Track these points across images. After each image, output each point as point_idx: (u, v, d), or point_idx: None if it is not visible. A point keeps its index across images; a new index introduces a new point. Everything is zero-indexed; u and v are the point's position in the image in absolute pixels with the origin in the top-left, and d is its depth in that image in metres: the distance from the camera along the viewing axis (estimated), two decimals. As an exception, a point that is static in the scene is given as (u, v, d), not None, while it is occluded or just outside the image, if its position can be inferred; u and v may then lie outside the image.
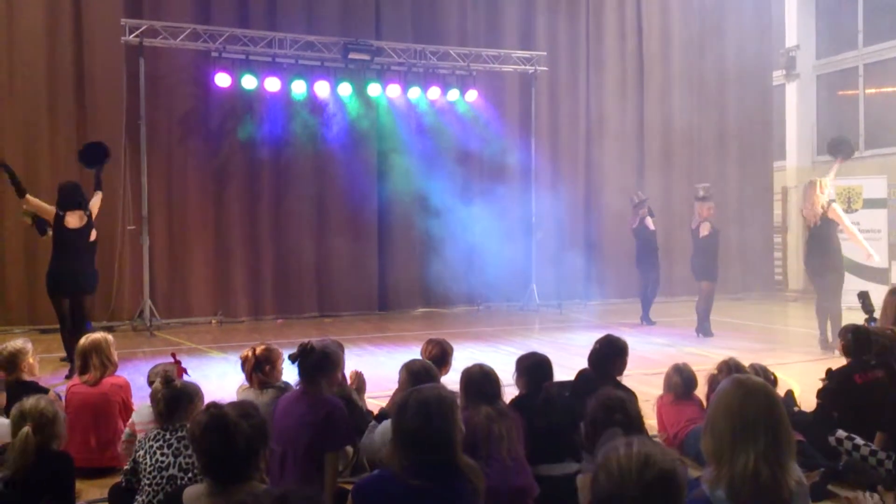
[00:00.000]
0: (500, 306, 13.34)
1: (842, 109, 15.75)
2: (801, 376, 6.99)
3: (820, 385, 5.04)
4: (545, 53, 13.63)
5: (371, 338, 10.28)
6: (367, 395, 5.23)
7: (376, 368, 7.54)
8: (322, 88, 11.91)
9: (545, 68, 13.58)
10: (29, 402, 3.47)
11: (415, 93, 12.53)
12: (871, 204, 13.32)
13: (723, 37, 15.57)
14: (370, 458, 4.45)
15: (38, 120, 10.96)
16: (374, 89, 12.18)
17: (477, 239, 12.58)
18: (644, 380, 6.41)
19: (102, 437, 4.67)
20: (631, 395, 3.90)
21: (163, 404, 3.57)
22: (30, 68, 10.90)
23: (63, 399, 4.67)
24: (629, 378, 5.12)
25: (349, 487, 2.95)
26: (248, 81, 11.43)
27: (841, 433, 4.46)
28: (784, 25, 16.24)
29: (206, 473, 2.65)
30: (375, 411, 4.98)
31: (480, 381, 3.88)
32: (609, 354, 4.80)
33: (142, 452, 3.42)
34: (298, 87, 11.78)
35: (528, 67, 13.43)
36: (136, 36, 10.88)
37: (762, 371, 4.68)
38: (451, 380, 4.33)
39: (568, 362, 6.21)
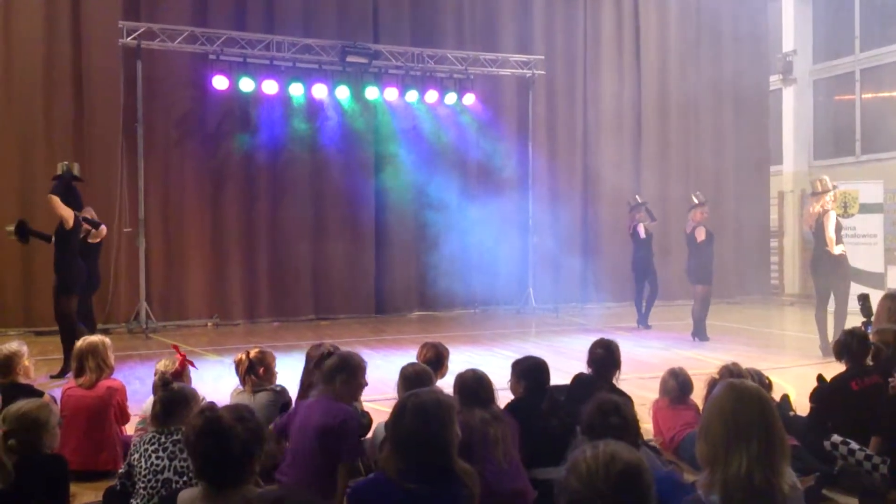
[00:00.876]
0: (496, 310, 13.34)
1: (838, 114, 15.79)
2: (797, 381, 6.99)
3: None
4: (542, 57, 13.65)
5: (367, 341, 10.27)
6: (363, 398, 5.21)
7: (372, 371, 7.41)
8: (319, 91, 11.92)
9: (542, 72, 13.61)
10: (13, 407, 3.46)
11: (412, 96, 12.54)
12: (866, 209, 13.34)
13: (720, 42, 15.61)
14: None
15: (35, 122, 10.95)
16: (371, 92, 12.20)
17: (474, 242, 12.60)
18: (640, 384, 6.41)
19: (97, 440, 4.65)
20: (627, 399, 3.91)
21: (159, 406, 3.56)
22: (27, 70, 10.89)
23: (59, 402, 4.65)
24: (625, 382, 5.13)
25: None
26: (246, 84, 11.43)
27: (836, 438, 4.47)
28: (781, 30, 16.28)
29: (201, 477, 2.64)
30: (371, 414, 4.97)
31: (474, 385, 3.88)
32: (609, 358, 4.81)
33: (137, 456, 3.42)
34: (296, 90, 11.79)
35: (525, 71, 13.45)
36: (134, 38, 10.88)
37: (757, 375, 4.68)
38: (446, 383, 4.33)
39: (564, 366, 6.21)
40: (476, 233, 12.54)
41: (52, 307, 8.07)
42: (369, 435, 4.55)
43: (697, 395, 5.07)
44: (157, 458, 3.35)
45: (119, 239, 11.16)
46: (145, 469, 3.33)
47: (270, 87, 11.59)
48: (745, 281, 15.35)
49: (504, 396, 4.29)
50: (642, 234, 11.43)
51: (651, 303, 11.52)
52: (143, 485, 3.32)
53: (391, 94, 12.39)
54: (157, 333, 10.80)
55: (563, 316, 12.91)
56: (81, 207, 8.29)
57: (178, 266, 11.73)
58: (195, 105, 11.82)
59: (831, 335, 8.71)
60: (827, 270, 8.96)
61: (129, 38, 10.86)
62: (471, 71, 12.89)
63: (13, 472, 3.23)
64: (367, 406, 5.31)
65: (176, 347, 4.14)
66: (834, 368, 5.18)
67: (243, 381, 4.70)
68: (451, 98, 12.74)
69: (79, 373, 4.79)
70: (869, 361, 4.91)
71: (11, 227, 8.16)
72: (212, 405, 2.79)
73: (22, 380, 4.76)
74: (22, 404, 3.47)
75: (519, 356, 4.66)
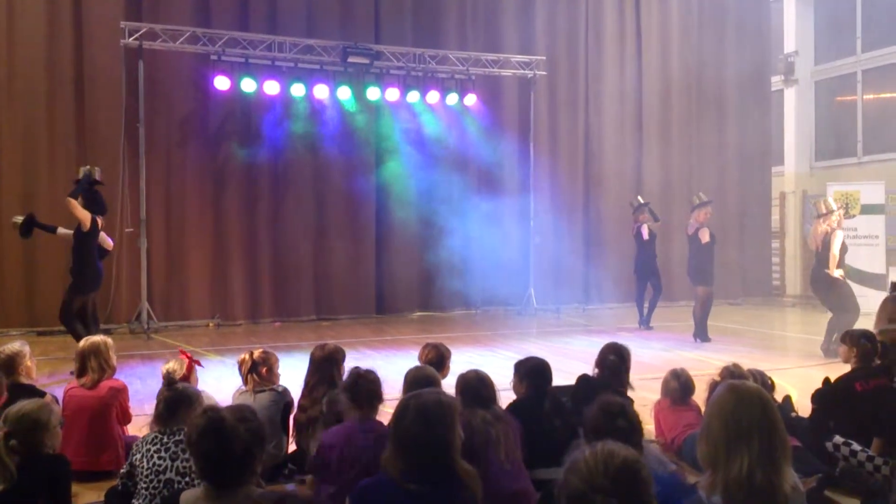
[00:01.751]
0: (497, 310, 13.35)
1: (840, 115, 15.78)
2: (799, 382, 7.00)
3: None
4: (544, 58, 13.65)
5: (368, 341, 10.28)
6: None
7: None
8: (321, 92, 11.92)
9: (544, 73, 13.60)
10: (14, 407, 3.46)
11: (414, 97, 12.54)
12: (868, 210, 13.35)
13: (721, 42, 15.62)
14: None
15: (37, 122, 10.97)
16: (373, 93, 12.19)
17: (475, 242, 12.59)
18: (642, 384, 6.37)
19: (99, 441, 4.66)
20: (628, 400, 3.90)
21: (163, 406, 3.57)
22: (29, 70, 10.91)
23: (60, 402, 4.66)
24: (626, 383, 5.11)
25: None
26: (248, 85, 11.43)
27: (838, 439, 4.47)
28: (783, 31, 16.28)
29: (203, 477, 2.64)
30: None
31: (476, 385, 3.88)
32: (622, 365, 4.77)
33: (139, 456, 3.42)
34: (297, 91, 11.79)
35: (526, 72, 13.45)
36: (136, 39, 10.89)
37: (760, 376, 4.68)
38: (448, 384, 4.33)
39: (566, 367, 6.21)
40: (477, 233, 12.54)
41: (58, 306, 8.14)
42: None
43: (699, 397, 5.07)
44: (160, 458, 3.35)
45: (121, 239, 11.16)
46: (147, 469, 3.34)
47: (272, 87, 11.60)
48: (746, 282, 15.35)
49: (505, 397, 4.29)
50: (646, 235, 11.42)
51: (654, 304, 11.50)
52: (145, 485, 3.32)
53: (392, 94, 12.38)
54: (159, 334, 10.80)
55: (564, 317, 12.91)
56: (105, 211, 8.45)
57: (180, 266, 11.75)
58: (197, 105, 11.83)
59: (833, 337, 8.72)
60: (825, 289, 8.99)
61: (130, 39, 10.86)
62: (472, 71, 12.89)
63: (15, 472, 3.24)
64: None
65: (183, 351, 4.13)
66: (837, 369, 5.18)
67: (246, 382, 4.70)
68: (452, 99, 12.74)
69: (81, 373, 4.80)
70: (877, 360, 4.91)
71: (20, 219, 8.25)
72: (214, 405, 2.80)
73: (24, 380, 4.77)
74: (23, 404, 3.47)
75: (520, 357, 4.66)
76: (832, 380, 5.00)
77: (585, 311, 13.67)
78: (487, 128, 13.34)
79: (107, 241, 8.64)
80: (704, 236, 10.13)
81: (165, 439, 3.41)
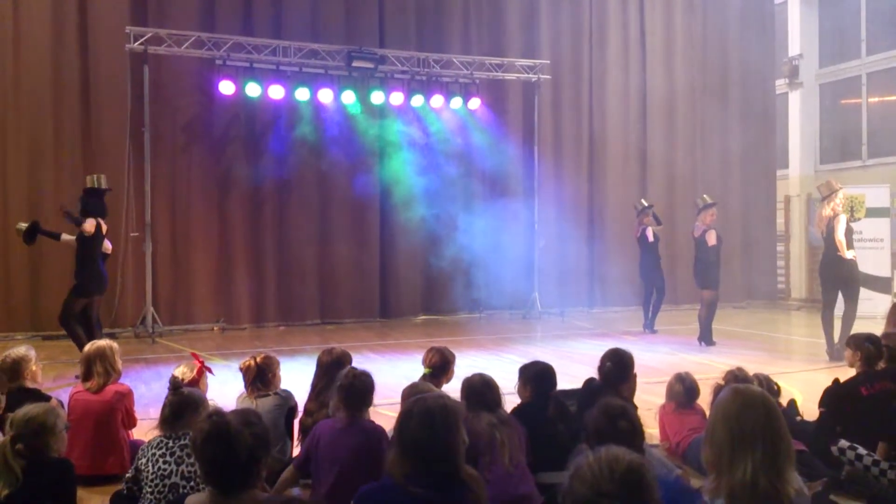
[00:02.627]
0: (502, 314, 13.34)
1: (844, 118, 15.76)
2: (805, 385, 6.98)
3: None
4: (548, 62, 13.67)
5: (373, 345, 10.28)
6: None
7: (377, 376, 7.45)
8: (325, 96, 11.94)
9: (548, 76, 13.61)
10: (20, 411, 3.47)
11: (418, 101, 12.55)
12: (874, 213, 13.30)
13: (726, 45, 15.61)
14: None
15: (43, 127, 11.01)
16: (377, 97, 12.21)
17: (479, 246, 12.58)
18: (646, 388, 6.39)
19: (105, 445, 4.67)
20: (630, 404, 3.90)
21: (168, 410, 3.57)
22: (35, 75, 10.95)
23: (66, 406, 4.67)
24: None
25: None
26: (252, 89, 11.47)
27: (843, 443, 4.45)
28: (787, 34, 16.27)
29: (207, 482, 2.65)
30: (377, 420, 4.96)
31: (481, 389, 3.88)
32: (618, 374, 4.69)
33: (144, 460, 3.43)
34: (302, 95, 11.81)
35: (531, 76, 13.46)
36: (141, 43, 10.92)
37: (765, 381, 4.67)
38: (453, 388, 4.33)
39: (571, 370, 6.21)
40: (482, 237, 12.54)
41: (60, 308, 8.16)
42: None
43: (703, 400, 5.06)
44: (165, 462, 3.36)
45: (126, 243, 11.19)
46: (152, 473, 3.34)
47: (277, 92, 11.62)
48: (751, 285, 15.32)
49: (510, 401, 4.30)
50: (650, 238, 11.41)
51: (658, 307, 11.49)
52: (150, 489, 3.33)
53: (397, 98, 12.40)
54: (164, 338, 10.83)
55: (569, 320, 12.90)
56: (106, 214, 8.49)
57: (185, 270, 11.77)
58: (202, 110, 11.86)
59: (837, 339, 8.68)
60: (836, 274, 8.91)
61: (136, 44, 10.90)
62: (476, 75, 12.91)
63: (21, 476, 3.25)
64: (371, 411, 5.31)
65: (195, 355, 4.14)
66: (841, 373, 5.16)
67: (249, 386, 4.71)
68: (456, 103, 12.75)
69: (86, 377, 4.81)
70: (882, 364, 4.90)
71: (24, 226, 8.29)
72: (219, 410, 2.80)
73: (29, 384, 4.78)
74: (29, 409, 3.48)
75: (525, 361, 4.65)
76: (841, 381, 4.98)
77: (590, 314, 13.65)
78: (492, 132, 13.34)
79: (106, 244, 8.67)
80: (711, 238, 10.10)
81: (171, 443, 3.42)
